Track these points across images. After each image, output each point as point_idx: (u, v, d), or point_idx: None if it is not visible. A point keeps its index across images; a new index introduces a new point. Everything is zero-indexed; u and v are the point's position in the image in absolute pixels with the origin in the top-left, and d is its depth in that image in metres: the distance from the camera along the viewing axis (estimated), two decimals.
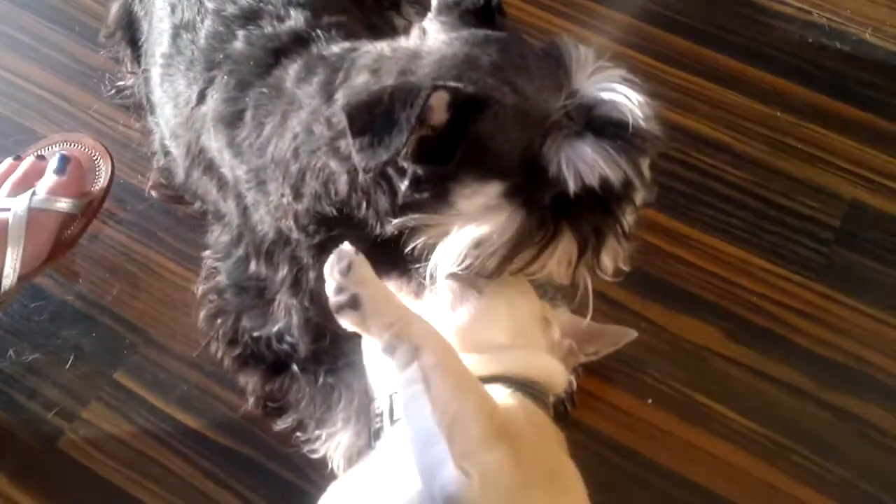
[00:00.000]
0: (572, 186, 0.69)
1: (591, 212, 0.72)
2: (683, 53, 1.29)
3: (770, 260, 1.09)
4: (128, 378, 0.97)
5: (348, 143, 0.70)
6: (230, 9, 0.89)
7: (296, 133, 0.80)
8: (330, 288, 0.67)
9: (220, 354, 0.95)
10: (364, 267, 0.67)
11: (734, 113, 1.23)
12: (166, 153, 1.02)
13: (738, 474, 0.95)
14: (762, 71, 1.27)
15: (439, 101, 0.68)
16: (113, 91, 1.19)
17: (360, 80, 0.75)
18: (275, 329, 0.90)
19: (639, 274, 1.05)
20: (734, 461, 0.95)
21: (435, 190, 0.73)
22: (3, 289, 0.91)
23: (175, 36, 0.92)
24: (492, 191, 0.72)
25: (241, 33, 0.88)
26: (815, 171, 1.18)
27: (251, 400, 0.94)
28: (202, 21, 0.90)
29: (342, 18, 0.92)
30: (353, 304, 0.66)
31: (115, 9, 1.10)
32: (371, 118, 0.66)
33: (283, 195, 0.82)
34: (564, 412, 0.94)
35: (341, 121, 0.72)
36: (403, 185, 0.73)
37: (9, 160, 0.99)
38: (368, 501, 0.70)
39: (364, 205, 0.77)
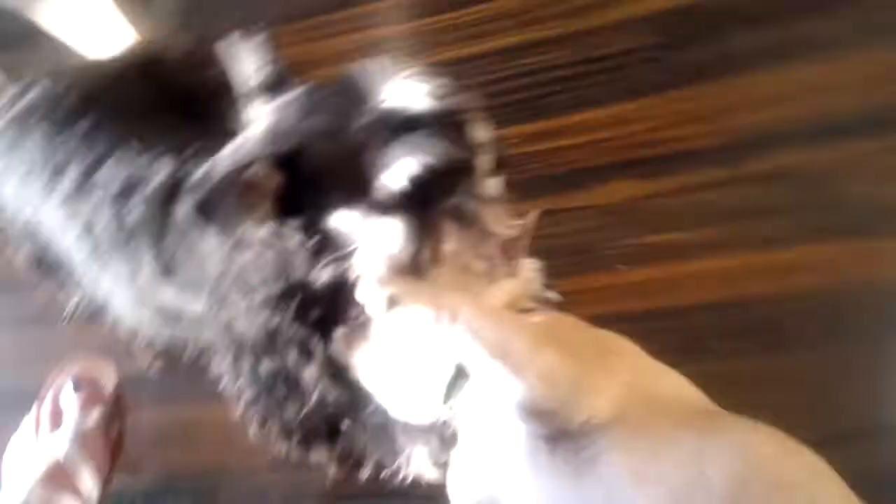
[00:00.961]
0: (398, 187, 0.75)
1: (447, 192, 0.77)
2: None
3: (628, 101, 1.22)
4: None
5: None
6: (113, 190, 1.01)
7: None
8: None
9: (285, 450, 1.06)
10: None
11: (518, 14, 1.34)
12: (139, 328, 1.11)
13: (727, 274, 1.07)
14: None
15: (260, 171, 0.77)
16: (68, 318, 1.29)
17: None
18: (302, 405, 1.01)
19: (547, 178, 1.20)
20: (717, 267, 1.08)
21: (318, 233, 0.82)
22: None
23: (87, 235, 1.04)
24: (357, 215, 0.80)
25: (133, 202, 0.99)
26: (610, 12, 1.29)
27: (332, 468, 1.06)
28: (100, 212, 1.01)
29: (200, 143, 0.99)
30: (393, 301, 0.74)
31: (22, 258, 1.21)
32: (212, 208, 0.80)
33: (242, 300, 0.92)
34: None
35: None
36: (295, 241, 0.82)
37: (29, 416, 1.11)
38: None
39: (291, 268, 0.87)
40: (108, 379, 1.13)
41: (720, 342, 1.04)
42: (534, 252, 0.93)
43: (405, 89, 0.77)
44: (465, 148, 0.77)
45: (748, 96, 1.18)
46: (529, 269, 0.99)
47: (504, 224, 0.83)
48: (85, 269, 1.08)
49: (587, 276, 1.12)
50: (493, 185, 0.81)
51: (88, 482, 1.04)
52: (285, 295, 0.92)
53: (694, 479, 0.64)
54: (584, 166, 1.20)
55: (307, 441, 1.05)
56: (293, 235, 0.85)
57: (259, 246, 0.88)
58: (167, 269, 0.97)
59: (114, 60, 1.23)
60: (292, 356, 1.00)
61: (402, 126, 0.76)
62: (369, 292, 0.84)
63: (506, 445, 0.75)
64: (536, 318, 0.80)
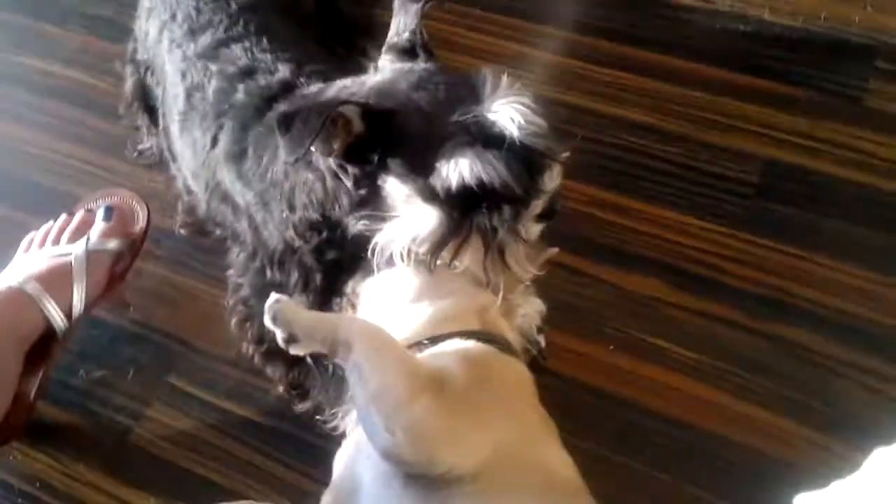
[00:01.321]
0: (453, 183, 0.83)
1: (490, 213, 0.84)
2: (609, 53, 1.49)
3: (700, 217, 1.28)
4: (180, 380, 1.18)
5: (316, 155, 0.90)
6: (231, 69, 1.08)
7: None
8: (275, 334, 0.81)
9: (251, 352, 1.13)
10: (287, 308, 0.79)
11: (657, 98, 1.42)
12: (189, 192, 1.20)
13: (693, 400, 1.12)
14: (677, 58, 1.47)
15: (352, 113, 0.85)
16: (136, 154, 1.40)
17: None
18: None
19: (594, 244, 1.26)
20: (687, 388, 1.12)
21: (370, 188, 0.90)
22: (73, 317, 1.11)
23: (188, 96, 1.11)
24: (408, 190, 0.88)
25: (241, 87, 1.06)
26: (733, 137, 1.36)
27: (280, 387, 1.13)
28: (209, 81, 1.08)
29: (321, 67, 1.09)
30: (292, 338, 0.79)
31: (129, 83, 1.31)
32: (293, 123, 0.83)
33: (282, 210, 1.01)
34: (540, 366, 1.12)
35: None
36: (349, 184, 0.91)
37: (63, 216, 1.20)
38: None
39: (335, 205, 0.95)
40: (140, 220, 1.22)
41: (649, 450, 1.08)
42: (542, 292, 1.00)
43: (513, 110, 0.83)
44: (528, 187, 0.84)
45: (804, 271, 1.22)
46: (533, 306, 1.05)
47: (523, 267, 0.90)
48: (172, 122, 1.17)
49: (579, 338, 1.18)
50: (533, 229, 0.89)
51: (77, 296, 1.12)
52: (317, 225, 1.01)
53: None
54: (629, 249, 1.26)
55: (271, 355, 1.12)
56: (349, 179, 0.93)
57: (318, 173, 0.97)
58: (237, 155, 1.05)
59: None
60: (294, 278, 1.08)
61: (489, 139, 0.83)
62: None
63: (370, 456, 0.79)
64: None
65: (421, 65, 0.93)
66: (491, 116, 0.84)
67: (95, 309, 1.20)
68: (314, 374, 1.10)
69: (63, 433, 1.15)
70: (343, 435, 1.07)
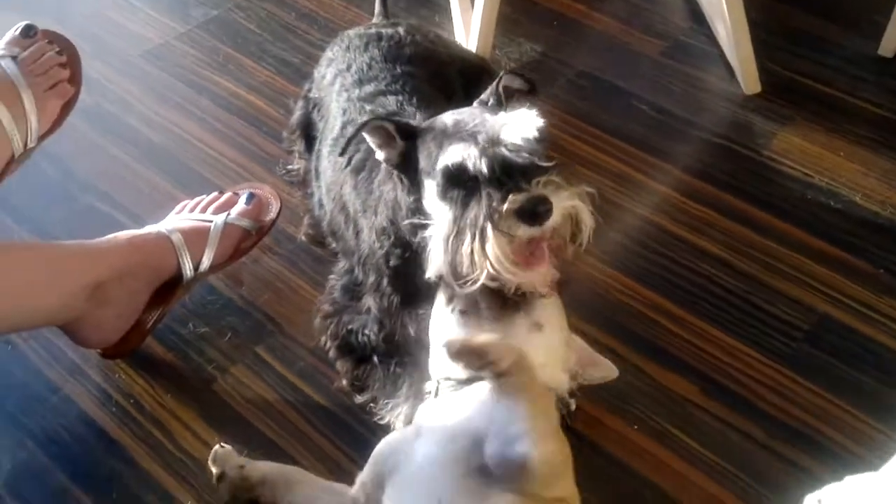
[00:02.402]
0: (438, 165, 1.00)
1: (475, 200, 0.97)
2: (704, 193, 1.65)
3: (748, 344, 1.39)
4: (266, 353, 1.39)
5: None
6: (381, 111, 1.29)
7: None
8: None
9: (327, 345, 1.32)
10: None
11: (737, 239, 1.56)
12: (321, 206, 1.41)
13: (697, 489, 1.22)
14: (765, 213, 1.61)
15: (389, 128, 1.06)
16: (284, 172, 1.66)
17: None
18: (359, 323, 1.25)
19: (643, 340, 1.40)
20: (695, 480, 1.23)
21: (417, 195, 1.07)
22: (199, 271, 1.36)
23: (343, 127, 1.33)
24: (433, 190, 1.03)
25: None
26: (798, 289, 1.48)
27: (344, 380, 1.30)
28: (360, 116, 1.29)
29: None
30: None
31: (298, 114, 1.56)
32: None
33: (372, 216, 1.19)
34: (564, 424, 1.19)
35: None
36: (404, 192, 1.09)
37: (214, 193, 1.47)
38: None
39: (399, 210, 1.11)
40: (272, 212, 1.47)
41: None
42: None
43: (511, 119, 0.99)
44: (502, 176, 0.95)
45: (832, 415, 1.31)
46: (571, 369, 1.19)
47: (504, 262, 0.96)
48: (324, 146, 1.39)
49: (607, 412, 1.31)
50: (518, 229, 0.95)
51: (207, 256, 1.36)
52: (387, 230, 1.16)
53: None
54: (673, 352, 1.39)
55: (342, 350, 1.31)
56: (404, 188, 1.09)
57: (393, 183, 1.12)
58: (359, 170, 1.25)
59: (454, 48, 1.57)
60: (370, 280, 1.25)
61: (484, 138, 0.98)
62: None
63: (435, 441, 0.99)
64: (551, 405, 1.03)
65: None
66: (491, 123, 1.00)
67: (217, 274, 1.43)
68: (377, 372, 1.27)
69: (162, 368, 1.37)
70: (388, 427, 1.24)
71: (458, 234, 0.98)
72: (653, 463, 1.25)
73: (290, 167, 1.65)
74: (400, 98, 1.32)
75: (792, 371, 1.37)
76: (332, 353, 1.32)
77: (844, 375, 1.37)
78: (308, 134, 1.54)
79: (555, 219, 0.97)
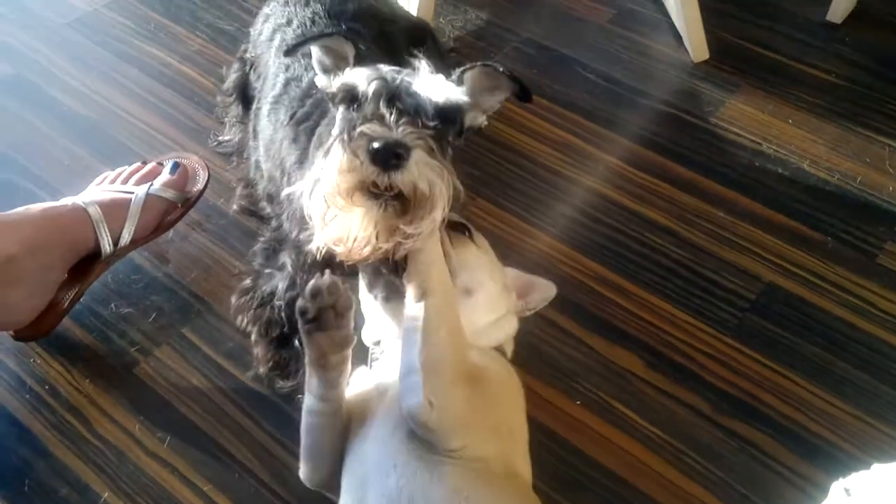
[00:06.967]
0: (337, 83, 0.97)
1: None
2: (650, 162, 1.63)
3: (693, 315, 1.37)
4: (192, 334, 1.32)
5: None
6: None
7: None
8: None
9: (248, 327, 1.23)
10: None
11: (684, 209, 1.53)
12: (257, 167, 1.33)
13: (642, 466, 1.19)
14: (713, 182, 1.59)
15: (349, 50, 1.00)
16: (216, 143, 1.59)
17: None
18: (273, 285, 1.18)
19: (587, 312, 1.36)
20: (640, 456, 1.20)
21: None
22: (119, 245, 1.28)
23: (286, 84, 1.25)
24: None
25: None
26: (744, 258, 1.46)
27: (262, 368, 1.23)
28: (307, 73, 1.22)
29: None
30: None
31: (233, 76, 1.50)
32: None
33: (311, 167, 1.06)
34: None
35: None
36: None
37: (137, 163, 1.39)
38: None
39: None
40: (200, 182, 1.40)
41: (589, 498, 1.16)
42: (524, 339, 1.11)
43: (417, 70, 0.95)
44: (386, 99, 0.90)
45: (777, 385, 1.29)
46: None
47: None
48: (264, 104, 1.29)
49: (549, 387, 1.27)
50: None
51: (127, 230, 1.29)
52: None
53: None
54: (616, 324, 1.36)
55: (262, 333, 1.22)
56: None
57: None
58: (301, 121, 1.17)
59: (396, 8, 1.50)
60: (293, 235, 1.14)
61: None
62: None
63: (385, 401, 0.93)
64: (489, 360, 0.98)
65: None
66: (408, 72, 0.94)
67: (141, 251, 1.36)
68: (301, 358, 1.18)
69: (80, 351, 1.29)
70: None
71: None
72: (595, 439, 1.22)
73: (221, 138, 1.58)
74: None
75: (738, 341, 1.35)
76: (253, 337, 1.24)
77: (791, 345, 1.35)
78: (245, 94, 1.48)
79: (404, 179, 0.85)
